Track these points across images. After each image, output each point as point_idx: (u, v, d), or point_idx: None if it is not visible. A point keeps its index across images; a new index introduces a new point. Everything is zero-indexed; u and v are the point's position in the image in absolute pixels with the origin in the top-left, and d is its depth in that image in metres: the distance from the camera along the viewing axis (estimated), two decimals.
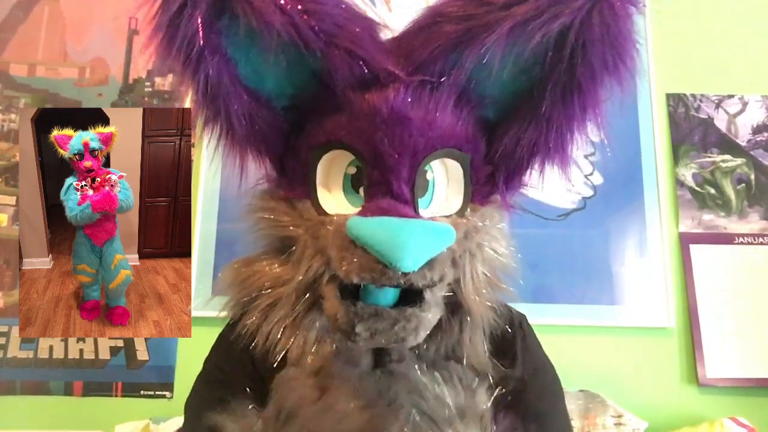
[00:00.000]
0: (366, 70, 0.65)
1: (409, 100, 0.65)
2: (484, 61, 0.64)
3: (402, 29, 0.70)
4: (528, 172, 0.72)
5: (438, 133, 0.66)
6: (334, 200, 0.69)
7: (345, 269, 0.60)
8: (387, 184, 0.65)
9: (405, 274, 0.57)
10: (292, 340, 0.69)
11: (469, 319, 0.70)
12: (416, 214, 0.65)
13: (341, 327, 0.63)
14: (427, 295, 0.63)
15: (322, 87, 0.68)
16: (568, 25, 0.63)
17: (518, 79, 0.69)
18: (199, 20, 0.62)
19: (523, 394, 0.73)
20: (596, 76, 0.65)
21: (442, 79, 0.67)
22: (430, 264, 0.59)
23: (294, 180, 0.71)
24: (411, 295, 0.63)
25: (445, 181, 0.70)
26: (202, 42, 0.63)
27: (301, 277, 0.67)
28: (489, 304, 0.72)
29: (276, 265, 0.71)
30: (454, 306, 0.69)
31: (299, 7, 0.63)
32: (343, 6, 0.66)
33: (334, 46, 0.65)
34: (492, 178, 0.72)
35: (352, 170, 0.68)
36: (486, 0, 0.63)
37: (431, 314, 0.63)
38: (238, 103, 0.67)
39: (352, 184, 0.68)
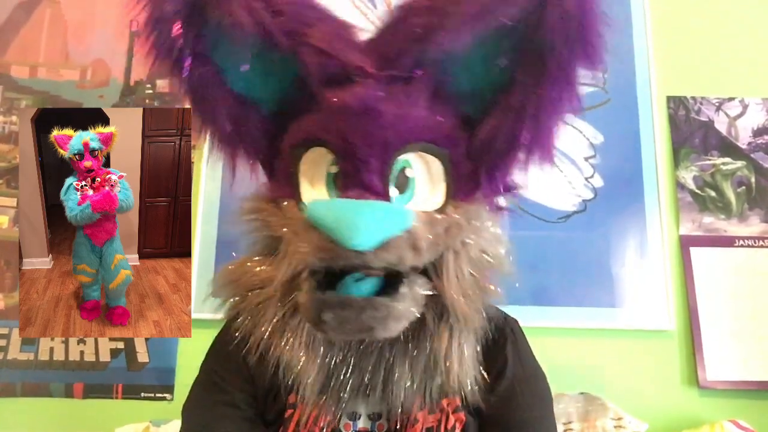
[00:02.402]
0: (337, 68, 0.67)
1: (381, 94, 0.66)
2: (451, 52, 0.64)
3: (377, 29, 0.71)
4: (510, 168, 0.70)
5: (410, 126, 0.66)
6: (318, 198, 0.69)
7: (303, 251, 0.61)
8: (358, 176, 0.65)
9: (360, 255, 0.57)
10: (282, 343, 0.69)
11: (457, 324, 0.67)
12: None
13: (310, 315, 0.63)
14: (403, 288, 0.63)
15: (302, 89, 0.70)
16: (529, 10, 0.62)
17: (492, 72, 0.68)
18: (178, 28, 0.67)
19: (511, 400, 0.73)
20: (563, 60, 0.63)
21: (414, 74, 0.67)
22: (385, 245, 0.58)
23: (281, 181, 0.73)
24: (388, 290, 0.63)
25: (426, 178, 0.69)
26: (183, 49, 0.68)
27: (281, 275, 0.68)
28: (477, 307, 0.69)
29: (265, 265, 0.71)
30: (442, 309, 0.67)
31: (268, 8, 0.66)
32: (313, 7, 0.69)
33: (305, 45, 0.67)
34: (475, 174, 0.70)
35: (335, 169, 0.68)
36: None
37: (402, 306, 0.62)
38: (223, 107, 0.72)
39: (335, 182, 0.69)
